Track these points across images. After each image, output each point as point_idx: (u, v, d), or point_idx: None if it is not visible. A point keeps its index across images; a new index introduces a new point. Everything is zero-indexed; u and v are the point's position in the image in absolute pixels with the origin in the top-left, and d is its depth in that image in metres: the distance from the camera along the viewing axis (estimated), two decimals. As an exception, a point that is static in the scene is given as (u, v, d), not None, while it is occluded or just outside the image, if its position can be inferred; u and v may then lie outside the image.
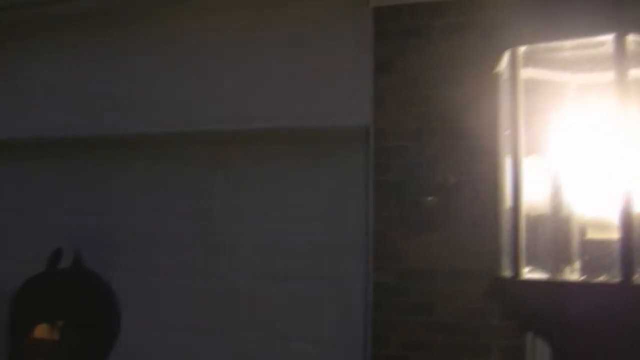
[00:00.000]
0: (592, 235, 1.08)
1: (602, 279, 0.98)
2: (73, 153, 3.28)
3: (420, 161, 2.52)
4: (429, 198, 2.48)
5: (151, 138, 3.05)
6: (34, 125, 3.19)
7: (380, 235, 2.59)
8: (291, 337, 2.84)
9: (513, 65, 1.05)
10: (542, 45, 1.08)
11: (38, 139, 3.24)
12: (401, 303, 2.55)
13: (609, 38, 1.00)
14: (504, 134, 1.23)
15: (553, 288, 0.98)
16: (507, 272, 1.10)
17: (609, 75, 1.01)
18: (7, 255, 3.20)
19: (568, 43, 1.07)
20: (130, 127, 3.02)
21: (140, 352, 2.76)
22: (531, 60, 1.07)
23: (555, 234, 1.14)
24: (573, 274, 1.04)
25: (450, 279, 2.50)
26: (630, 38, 1.00)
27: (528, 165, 1.15)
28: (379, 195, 2.61)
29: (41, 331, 1.33)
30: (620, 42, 0.98)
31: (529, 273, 1.05)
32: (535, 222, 1.14)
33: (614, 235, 0.99)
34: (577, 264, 1.07)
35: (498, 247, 2.38)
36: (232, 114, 2.85)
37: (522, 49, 1.06)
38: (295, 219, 2.86)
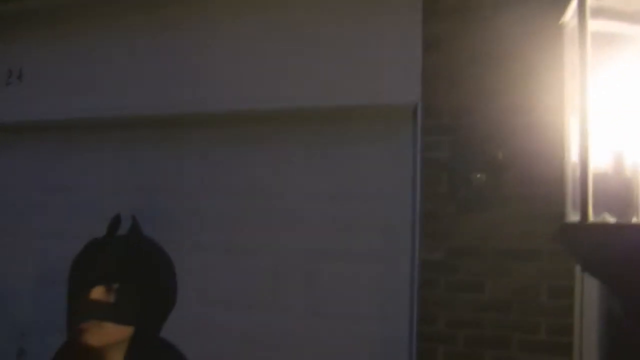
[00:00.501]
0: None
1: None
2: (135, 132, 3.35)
3: (470, 138, 2.51)
4: (478, 175, 2.47)
5: (202, 117, 3.10)
6: (109, 105, 3.25)
7: (429, 213, 2.59)
8: (339, 314, 2.86)
9: (581, 16, 1.04)
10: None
11: (109, 119, 3.32)
12: (449, 281, 2.55)
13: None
14: (568, 93, 1.21)
15: (625, 231, 0.96)
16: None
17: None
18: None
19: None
20: (184, 106, 3.07)
21: (191, 328, 2.82)
22: (600, 12, 1.05)
23: (620, 191, 1.12)
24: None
25: (499, 257, 2.49)
26: None
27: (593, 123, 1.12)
28: (428, 173, 2.60)
29: (97, 293, 1.35)
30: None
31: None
32: (600, 180, 1.12)
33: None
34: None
35: (548, 225, 2.39)
36: (280, 92, 2.87)
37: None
38: (343, 197, 2.87)
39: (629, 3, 1.08)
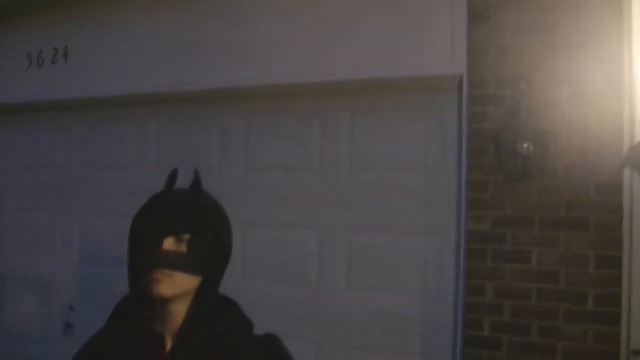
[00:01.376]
0: None
1: None
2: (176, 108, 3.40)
3: (518, 109, 2.49)
4: (525, 145, 2.46)
5: (245, 91, 3.12)
6: (144, 82, 3.31)
7: (475, 183, 2.59)
8: (382, 287, 2.88)
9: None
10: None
11: (142, 96, 3.37)
12: (496, 251, 2.56)
13: None
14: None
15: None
16: None
17: None
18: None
19: None
20: (225, 81, 3.10)
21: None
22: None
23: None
24: None
25: (547, 227, 2.49)
26: None
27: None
28: (474, 144, 2.60)
29: (169, 243, 1.36)
30: None
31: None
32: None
33: None
34: None
35: (596, 194, 2.38)
36: (325, 65, 2.88)
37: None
38: (388, 169, 2.88)
39: None
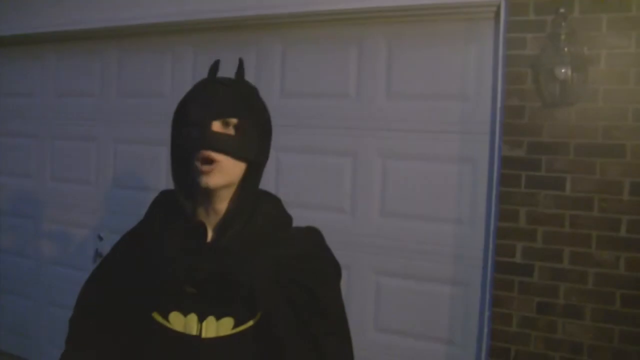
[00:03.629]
0: None
1: None
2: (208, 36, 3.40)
3: (556, 33, 2.47)
4: (563, 70, 2.44)
5: (282, 18, 3.10)
6: (180, 9, 3.31)
7: (511, 109, 2.58)
8: (414, 214, 2.91)
9: None
10: None
11: (178, 23, 3.38)
12: (531, 177, 2.56)
13: None
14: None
15: None
16: None
17: None
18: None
19: None
20: (263, 7, 3.09)
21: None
22: None
23: None
24: None
25: (582, 153, 2.49)
26: None
27: None
28: (512, 70, 2.58)
29: (217, 126, 1.37)
30: None
31: None
32: None
33: None
34: None
35: (634, 120, 2.37)
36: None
37: None
38: (424, 97, 2.88)
39: None
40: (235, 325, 1.38)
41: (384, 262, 2.96)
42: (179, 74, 3.48)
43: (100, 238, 3.64)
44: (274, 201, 1.57)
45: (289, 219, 1.58)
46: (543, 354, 2.54)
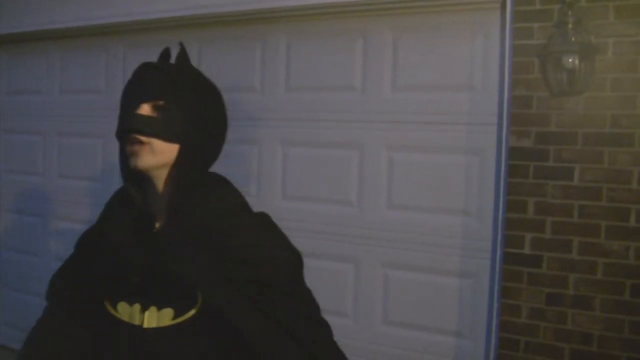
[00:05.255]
0: None
1: None
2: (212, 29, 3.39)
3: (563, 22, 2.45)
4: (571, 59, 2.42)
5: (287, 11, 3.09)
6: (184, 3, 3.31)
7: (518, 99, 2.57)
8: (420, 206, 2.91)
9: None
10: None
11: (183, 18, 3.37)
12: (539, 167, 2.55)
13: None
14: None
15: None
16: None
17: None
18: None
19: None
20: (262, 2, 3.09)
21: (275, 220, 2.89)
22: None
23: None
24: None
25: (590, 142, 2.47)
26: None
27: None
28: (519, 60, 2.57)
29: (145, 109, 1.36)
30: None
31: None
32: None
33: None
34: None
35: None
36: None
37: None
38: (430, 89, 2.87)
39: None
40: (176, 316, 1.36)
41: (392, 255, 2.95)
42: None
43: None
44: (224, 186, 1.53)
45: (240, 205, 1.51)
46: (553, 345, 2.53)
